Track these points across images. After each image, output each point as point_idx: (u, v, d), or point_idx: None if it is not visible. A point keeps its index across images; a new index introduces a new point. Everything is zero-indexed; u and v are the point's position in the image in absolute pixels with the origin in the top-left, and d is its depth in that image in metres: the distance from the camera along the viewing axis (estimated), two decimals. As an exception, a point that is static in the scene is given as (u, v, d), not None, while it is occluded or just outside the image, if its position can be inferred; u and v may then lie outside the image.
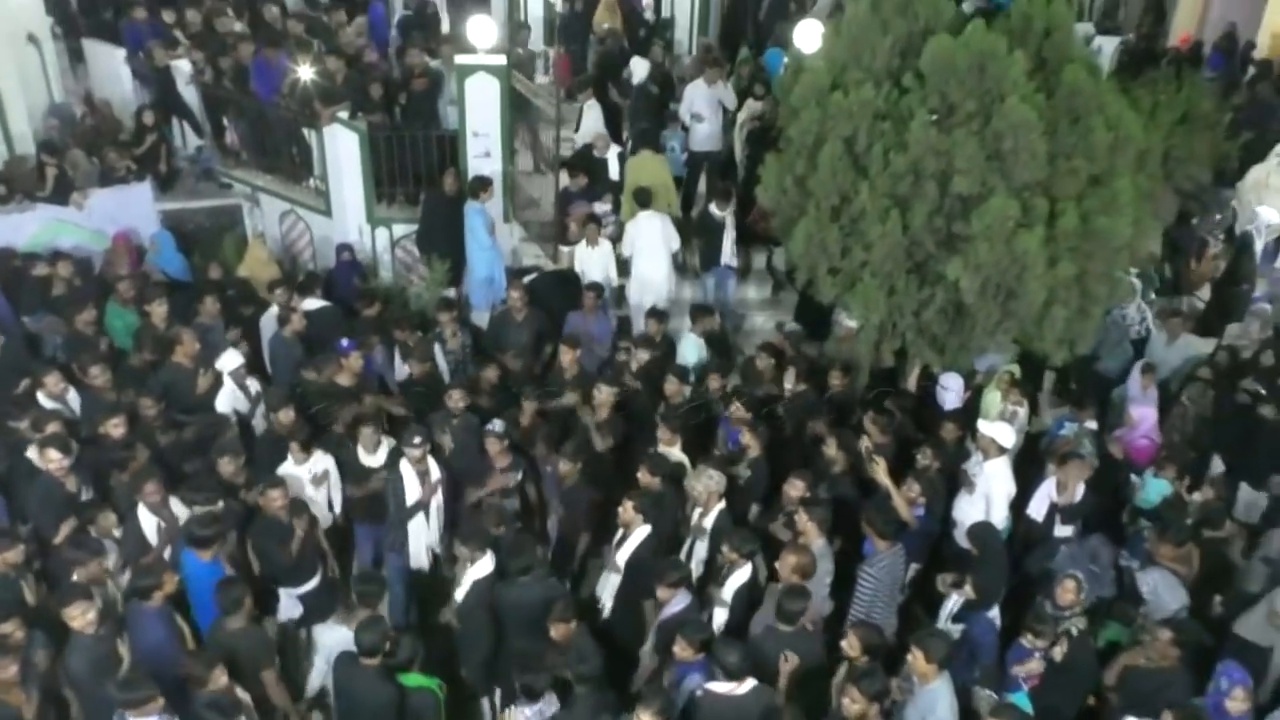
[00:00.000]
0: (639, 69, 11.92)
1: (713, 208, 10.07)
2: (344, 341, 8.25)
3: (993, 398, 8.45)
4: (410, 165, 11.03)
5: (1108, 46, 14.07)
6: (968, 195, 7.05)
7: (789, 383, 8.34)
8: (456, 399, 7.71)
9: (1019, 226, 6.87)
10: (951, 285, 7.24)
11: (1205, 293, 11.19)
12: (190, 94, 12.36)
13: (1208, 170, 11.54)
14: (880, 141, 7.30)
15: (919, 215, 7.21)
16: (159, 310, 8.81)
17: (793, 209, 7.99)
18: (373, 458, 7.42)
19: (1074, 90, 6.89)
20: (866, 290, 7.46)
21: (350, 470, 7.40)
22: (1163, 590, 6.59)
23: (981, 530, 6.74)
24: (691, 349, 8.95)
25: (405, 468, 7.12)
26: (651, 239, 9.95)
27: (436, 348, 8.94)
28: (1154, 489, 7.55)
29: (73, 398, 7.94)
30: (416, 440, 7.07)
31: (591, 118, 11.32)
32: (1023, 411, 8.29)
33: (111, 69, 12.82)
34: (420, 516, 7.18)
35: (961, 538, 7.23)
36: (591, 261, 10.00)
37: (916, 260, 7.48)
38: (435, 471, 7.21)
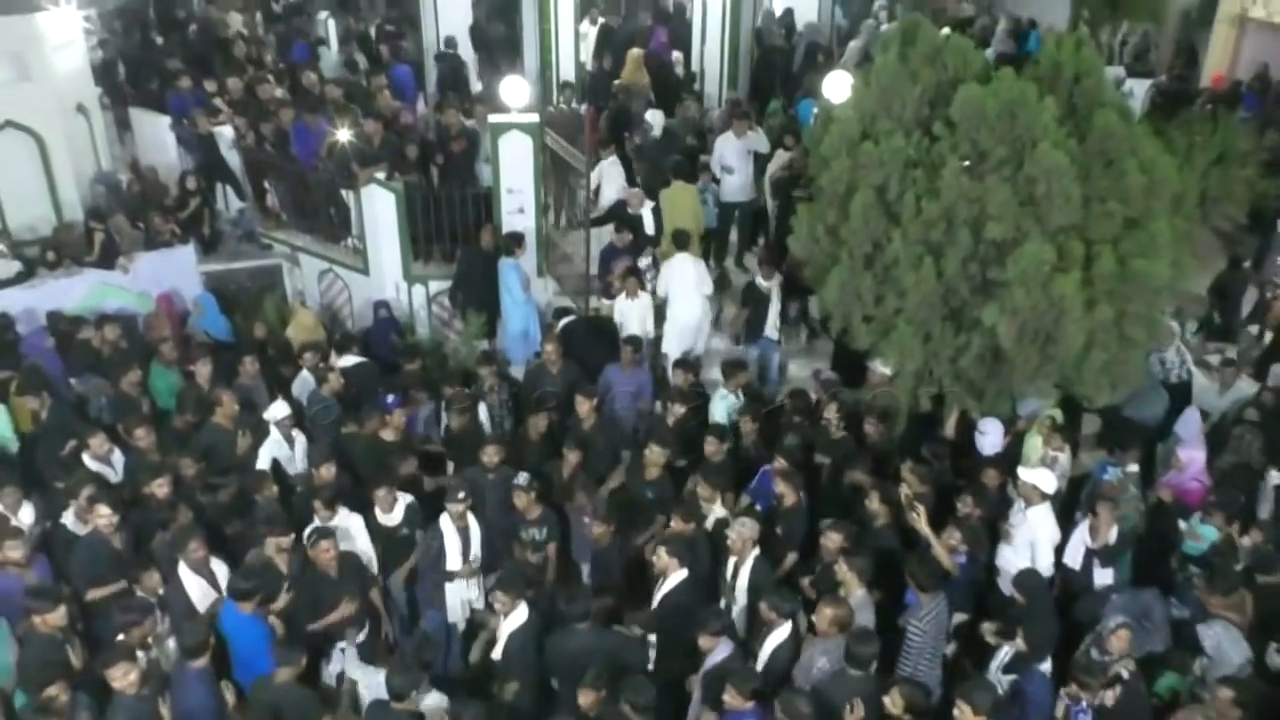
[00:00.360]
0: (656, 121, 12.13)
1: (758, 279, 9.95)
2: (389, 397, 8.35)
3: (1034, 443, 8.32)
4: (446, 223, 11.22)
5: (1139, 89, 14.06)
6: (1002, 241, 7.02)
7: (830, 414, 8.29)
8: (491, 454, 7.73)
9: (1055, 271, 6.82)
10: (988, 331, 7.19)
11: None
12: (233, 159, 12.70)
13: (1244, 210, 11.41)
14: (912, 189, 7.31)
15: (953, 262, 7.19)
16: (203, 370, 8.98)
17: (826, 258, 7.99)
18: (389, 516, 7.42)
19: (1106, 134, 6.88)
20: (902, 337, 7.42)
21: (371, 529, 7.41)
22: (1226, 645, 6.38)
23: (1029, 579, 6.61)
24: (722, 407, 8.91)
25: (445, 524, 7.13)
26: (685, 282, 10.01)
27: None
28: (1205, 534, 7.37)
29: (117, 459, 8.07)
30: (460, 495, 7.09)
31: (614, 174, 11.39)
32: (1063, 457, 8.16)
33: (157, 136, 13.23)
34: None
35: (1007, 585, 7.09)
36: (630, 314, 10.07)
37: (952, 306, 7.44)
38: (475, 529, 7.22)
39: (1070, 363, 7.26)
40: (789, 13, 16.44)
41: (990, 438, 8.32)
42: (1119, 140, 6.88)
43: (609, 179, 11.35)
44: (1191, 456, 8.08)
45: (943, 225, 7.20)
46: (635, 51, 14.57)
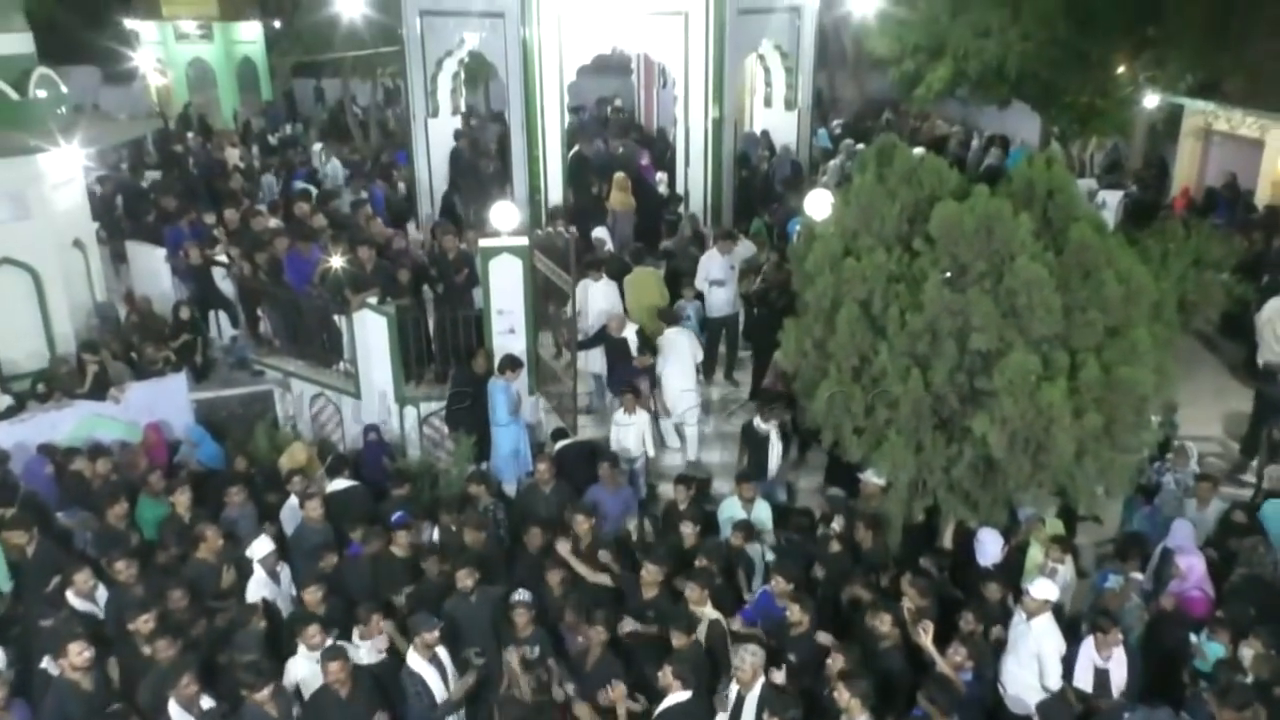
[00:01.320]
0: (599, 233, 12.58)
1: (757, 421, 9.87)
2: (397, 514, 8.28)
3: (1033, 553, 8.26)
4: (438, 345, 11.33)
5: (1112, 199, 14.47)
6: (987, 351, 7.12)
7: (830, 529, 8.22)
8: (464, 578, 7.60)
9: (1041, 380, 6.90)
10: (979, 440, 7.23)
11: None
12: (227, 288, 12.88)
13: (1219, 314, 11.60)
14: (896, 303, 7.46)
15: (940, 372, 7.28)
16: (182, 500, 8.90)
17: (814, 371, 8.09)
18: (369, 647, 7.17)
19: (1082, 246, 7.07)
20: (894, 448, 7.45)
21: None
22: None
23: (1052, 712, 6.44)
24: (736, 507, 8.96)
25: (417, 662, 6.86)
26: (681, 352, 10.58)
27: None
28: (1211, 652, 7.24)
29: (102, 595, 7.91)
30: (432, 627, 6.88)
31: (598, 295, 11.57)
32: (1063, 569, 8.07)
33: (152, 268, 13.45)
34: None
35: (1014, 703, 6.91)
36: (628, 431, 10.12)
37: (942, 416, 7.50)
38: (445, 657, 7.01)
39: (1063, 470, 7.27)
40: (766, 134, 17.03)
41: (989, 548, 8.26)
42: (1095, 252, 7.06)
43: (595, 300, 11.53)
44: (1191, 564, 8.02)
45: (928, 337, 7.32)
46: (620, 175, 15.01)
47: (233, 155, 19.57)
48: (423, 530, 8.89)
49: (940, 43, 18.24)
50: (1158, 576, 8.31)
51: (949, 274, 7.35)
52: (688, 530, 8.44)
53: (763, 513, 8.99)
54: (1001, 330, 7.07)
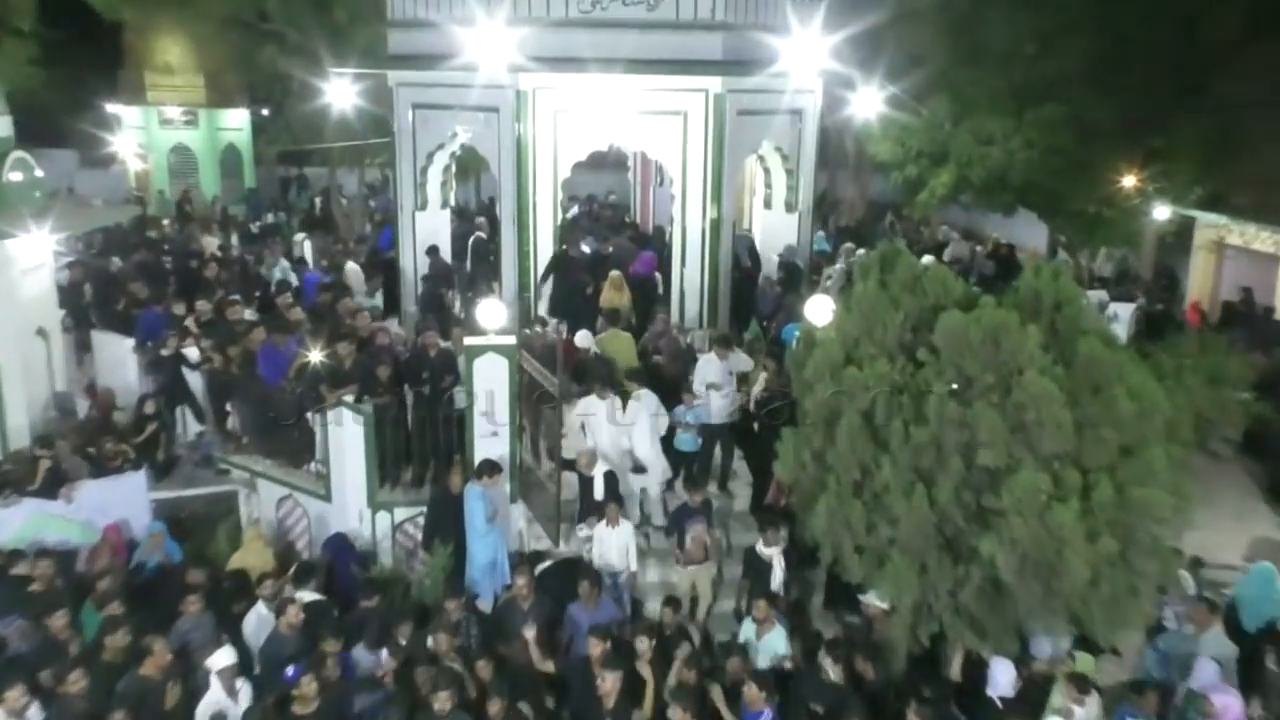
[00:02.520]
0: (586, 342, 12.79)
1: (760, 546, 9.81)
2: (289, 670, 7.92)
3: (1057, 693, 8.06)
4: (416, 447, 11.26)
5: (1123, 313, 14.66)
6: (995, 468, 7.12)
7: (827, 660, 8.07)
8: (444, 700, 7.41)
9: (1052, 499, 6.88)
10: (987, 562, 7.16)
11: None
12: (196, 380, 12.86)
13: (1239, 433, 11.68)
14: (899, 415, 7.47)
15: (945, 489, 7.25)
16: (116, 611, 8.64)
17: (813, 485, 8.05)
18: None
19: (1092, 361, 7.13)
20: (896, 569, 7.37)
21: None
22: None
23: None
24: (750, 631, 8.91)
25: None
26: (645, 418, 10.93)
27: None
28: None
29: (34, 714, 7.59)
30: None
31: (602, 422, 11.57)
32: (1081, 711, 7.85)
33: (118, 358, 13.44)
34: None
35: None
36: (610, 543, 10.03)
37: (947, 536, 7.44)
38: None
39: (1076, 597, 7.18)
40: (748, 237, 17.33)
41: (1000, 679, 8.07)
42: (1106, 367, 7.12)
43: (600, 428, 11.51)
44: (1226, 704, 7.83)
45: (932, 452, 7.31)
46: (615, 274, 15.19)
47: (210, 243, 19.75)
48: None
49: (943, 149, 18.79)
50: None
51: (954, 386, 7.39)
52: (689, 676, 8.15)
53: (777, 640, 8.79)
54: (1010, 446, 7.07)
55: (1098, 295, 15.25)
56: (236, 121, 30.44)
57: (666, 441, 11.63)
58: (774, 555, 9.68)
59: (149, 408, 12.11)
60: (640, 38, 13.75)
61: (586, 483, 10.66)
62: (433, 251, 16.10)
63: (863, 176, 29.30)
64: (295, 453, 11.98)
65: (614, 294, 14.82)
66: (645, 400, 11.36)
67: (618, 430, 11.17)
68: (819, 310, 10.09)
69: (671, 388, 11.97)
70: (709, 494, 11.56)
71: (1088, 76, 17.55)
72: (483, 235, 16.21)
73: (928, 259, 15.42)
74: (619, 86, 14.02)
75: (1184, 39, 17.15)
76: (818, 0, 15.37)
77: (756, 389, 12.03)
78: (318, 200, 30.12)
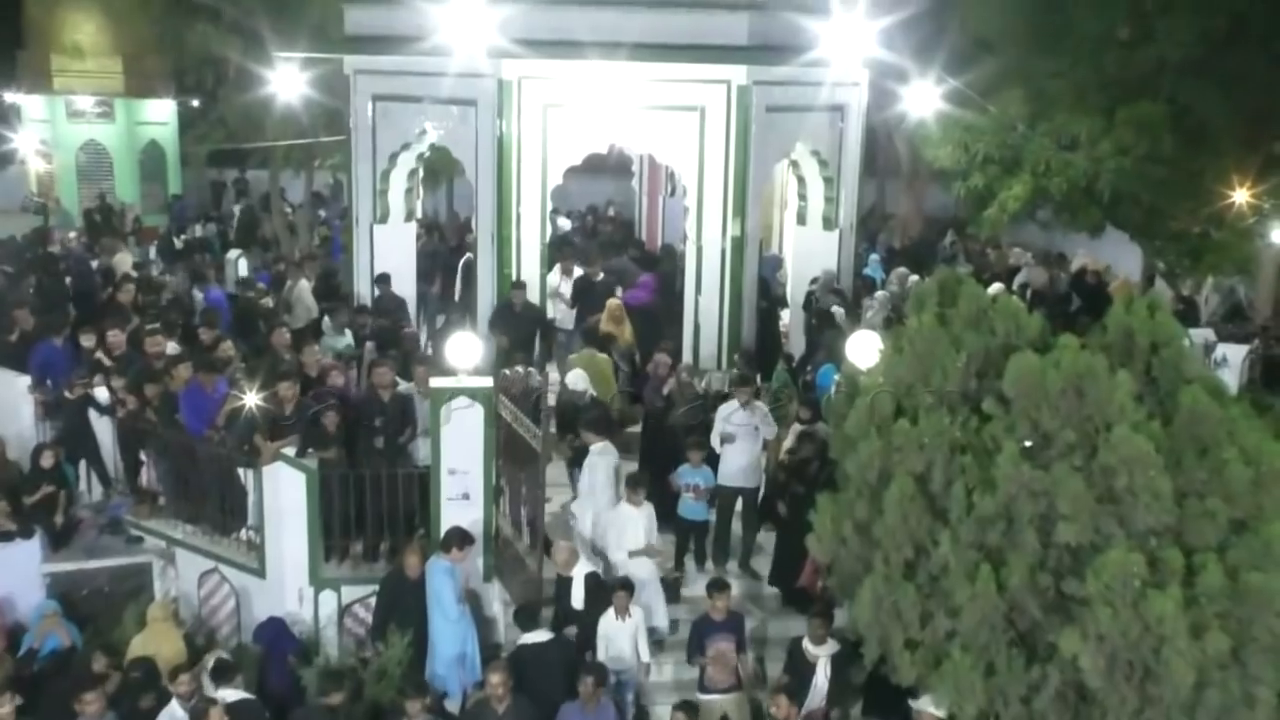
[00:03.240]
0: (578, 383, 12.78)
1: (807, 643, 9.88)
2: None
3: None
4: (370, 511, 11.28)
5: (1234, 355, 14.68)
6: (1077, 546, 7.10)
7: None
8: None
9: (1148, 586, 6.85)
10: (1069, 662, 7.12)
11: None
12: (104, 427, 12.89)
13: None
14: (961, 479, 7.47)
15: (1018, 571, 7.23)
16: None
17: (855, 563, 8.04)
18: None
19: (1196, 416, 7.13)
20: (957, 669, 7.33)
21: None
22: None
23: None
24: None
25: None
26: (599, 478, 11.13)
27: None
28: None
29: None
30: None
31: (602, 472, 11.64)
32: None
33: (10, 401, 13.48)
34: None
35: None
36: (619, 635, 10.12)
37: (1020, 630, 7.42)
38: None
39: (1179, 706, 7.13)
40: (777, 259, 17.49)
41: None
42: (1213, 423, 7.13)
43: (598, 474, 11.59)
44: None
45: (1002, 525, 7.30)
46: (614, 303, 15.29)
47: (124, 262, 19.81)
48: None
49: (1016, 154, 18.88)
50: None
51: (1028, 443, 7.39)
52: None
53: None
54: (1096, 519, 7.06)
55: (1203, 334, 15.27)
56: (160, 114, 30.78)
57: (670, 509, 11.65)
58: (821, 659, 9.69)
59: (46, 460, 12.12)
60: (649, 18, 13.96)
61: (564, 583, 10.61)
62: (382, 281, 16.11)
63: (918, 187, 29.49)
64: (223, 517, 11.98)
65: (612, 326, 14.91)
66: (603, 457, 11.36)
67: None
68: (863, 350, 10.12)
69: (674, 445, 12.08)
70: (727, 572, 11.58)
71: (1195, 67, 17.66)
72: (473, 257, 16.31)
73: (997, 288, 15.55)
74: (622, 76, 14.22)
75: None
76: (864, -25, 15.58)
77: (786, 444, 12.06)
78: (254, 208, 30.34)
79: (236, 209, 31.39)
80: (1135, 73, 18.21)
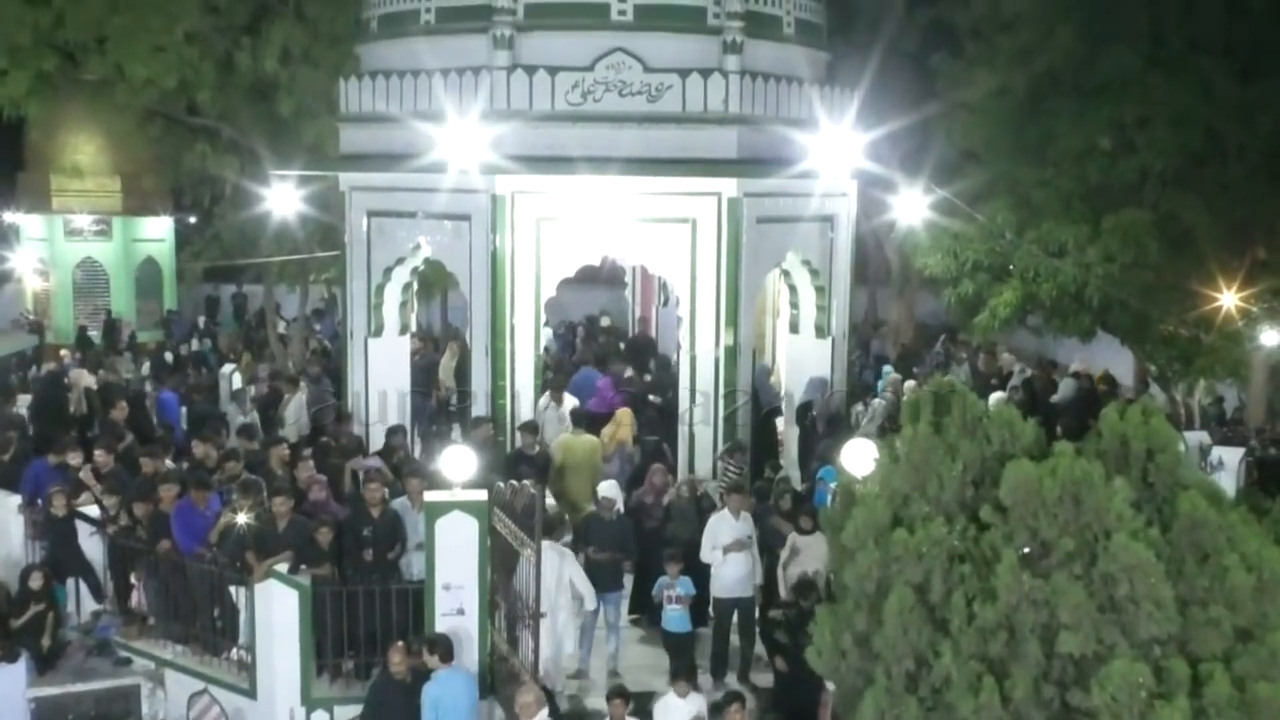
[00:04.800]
0: (612, 494, 12.57)
1: None
2: None
3: None
4: (362, 629, 11.15)
5: (1230, 459, 14.68)
6: (1081, 656, 7.01)
7: None
8: None
9: (1154, 697, 6.75)
10: (1077, 778, 7.00)
11: None
12: (94, 546, 12.79)
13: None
14: (960, 588, 7.40)
15: (1021, 683, 7.13)
16: None
17: (856, 676, 7.92)
18: None
19: (1195, 523, 7.09)
20: (963, 786, 7.19)
21: None
22: None
23: None
24: None
25: None
26: (551, 580, 10.90)
27: None
28: None
29: None
30: None
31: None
32: None
33: (1, 520, 13.39)
34: None
35: None
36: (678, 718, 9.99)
37: (1026, 743, 7.29)
38: None
39: (1193, 824, 6.99)
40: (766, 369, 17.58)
41: None
42: (1212, 529, 7.08)
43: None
44: None
45: (1004, 635, 7.21)
46: (623, 411, 15.37)
47: (83, 378, 19.69)
48: None
49: (1005, 261, 19.11)
50: None
51: (1027, 550, 7.35)
52: None
53: None
54: (1099, 629, 6.98)
55: (1198, 438, 15.30)
56: (157, 231, 31.09)
57: (654, 621, 11.56)
58: None
59: (35, 581, 12.00)
60: (640, 133, 14.23)
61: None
62: (395, 433, 15.68)
63: (909, 294, 29.75)
64: (213, 637, 11.84)
65: (614, 429, 15.01)
66: (564, 563, 11.34)
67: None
68: (859, 457, 10.12)
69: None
70: (727, 685, 11.40)
71: (1177, 177, 17.98)
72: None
73: (997, 396, 15.59)
74: (615, 190, 14.42)
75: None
76: (851, 90, 15.92)
77: (784, 555, 11.99)
78: (250, 323, 30.51)
79: (236, 322, 31.58)
80: (1119, 182, 18.56)
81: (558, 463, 13.93)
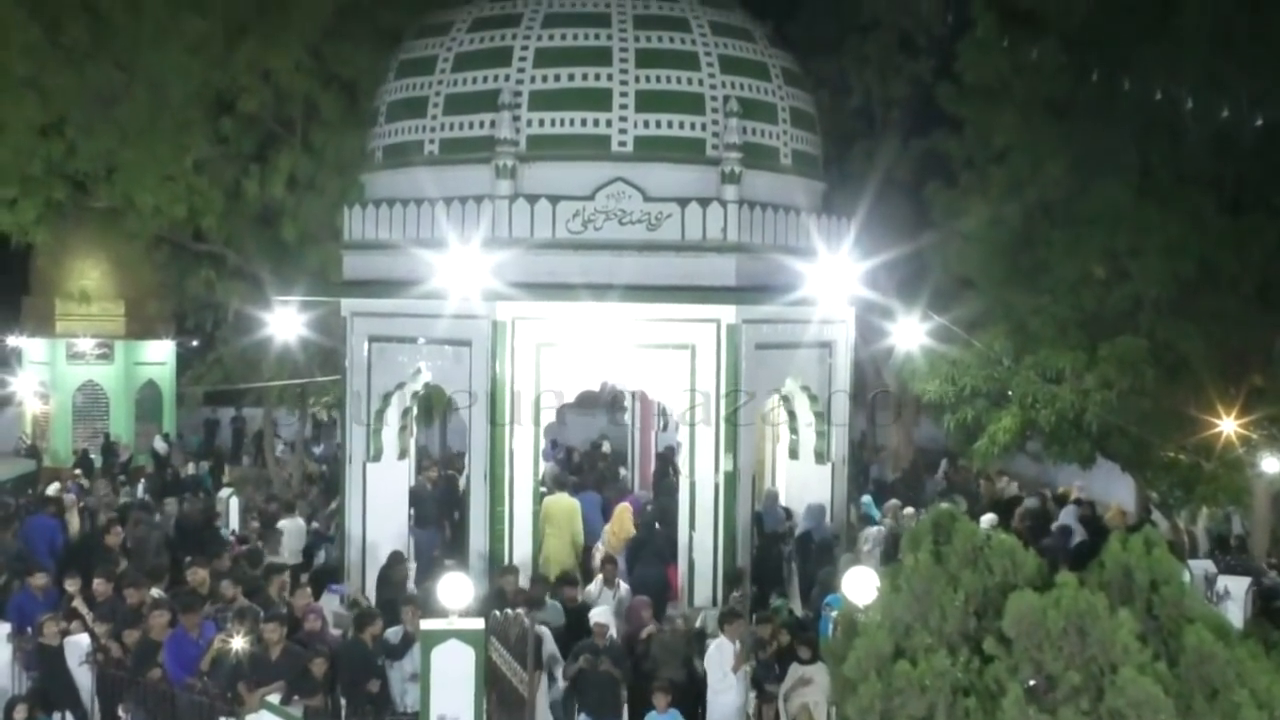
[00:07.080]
0: (601, 617, 12.35)
1: None
2: None
3: None
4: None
5: (1236, 588, 14.52)
6: (1094, 797, 6.83)
7: None
8: None
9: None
10: None
11: None
12: (83, 676, 12.55)
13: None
14: (966, 723, 7.26)
15: (1031, 824, 6.93)
16: None
17: (862, 816, 7.70)
18: None
19: (1202, 656, 6.98)
20: None
21: None
22: None
23: None
24: None
25: None
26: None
27: None
28: None
29: None
30: None
31: None
32: None
33: (-10, 651, 13.15)
34: None
35: None
36: None
37: None
38: None
39: None
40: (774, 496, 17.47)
41: None
42: (1220, 664, 6.95)
43: None
44: None
45: (1011, 772, 7.03)
46: (622, 506, 15.32)
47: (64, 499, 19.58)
48: None
49: (1002, 387, 19.11)
50: None
51: (1033, 683, 7.21)
52: None
53: None
54: (1110, 767, 6.82)
55: (1203, 567, 15.15)
56: (158, 354, 31.15)
57: None
58: None
59: (19, 714, 11.71)
60: (640, 261, 14.40)
61: None
62: (394, 561, 15.52)
63: (908, 420, 29.71)
64: (201, 770, 11.55)
65: (616, 526, 15.03)
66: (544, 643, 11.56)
67: None
68: (860, 587, 9.99)
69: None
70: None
71: (1171, 305, 18.09)
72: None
73: (989, 518, 15.46)
74: (614, 316, 14.53)
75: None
76: (847, 219, 16.17)
77: (787, 685, 11.79)
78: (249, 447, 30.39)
79: (238, 446, 31.46)
80: (1113, 309, 18.64)
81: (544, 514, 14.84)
